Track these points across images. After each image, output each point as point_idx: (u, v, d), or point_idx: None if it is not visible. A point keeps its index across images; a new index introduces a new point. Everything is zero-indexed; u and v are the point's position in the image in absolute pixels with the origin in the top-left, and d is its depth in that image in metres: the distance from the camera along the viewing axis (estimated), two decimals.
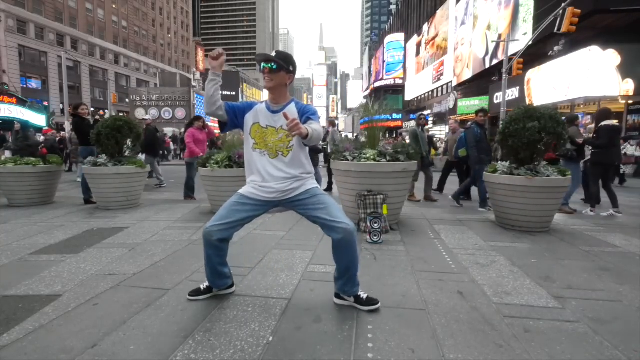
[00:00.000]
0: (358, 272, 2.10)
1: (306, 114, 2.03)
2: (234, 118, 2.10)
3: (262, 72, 2.00)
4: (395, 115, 42.40)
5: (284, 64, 1.97)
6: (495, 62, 21.95)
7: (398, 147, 4.40)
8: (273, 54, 2.00)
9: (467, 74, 26.84)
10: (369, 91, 62.54)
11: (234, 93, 57.74)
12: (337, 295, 2.18)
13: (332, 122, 8.49)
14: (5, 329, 1.85)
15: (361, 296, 2.10)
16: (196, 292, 2.24)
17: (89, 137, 5.38)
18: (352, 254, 2.01)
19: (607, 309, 2.14)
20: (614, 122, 5.14)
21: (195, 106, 35.91)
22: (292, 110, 2.05)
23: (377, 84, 56.42)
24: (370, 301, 2.09)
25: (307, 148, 2.12)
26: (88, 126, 5.69)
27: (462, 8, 28.16)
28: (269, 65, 1.96)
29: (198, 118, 6.73)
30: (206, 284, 2.25)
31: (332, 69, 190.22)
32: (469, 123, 6.80)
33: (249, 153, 2.12)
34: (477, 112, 6.02)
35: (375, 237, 3.53)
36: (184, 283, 2.45)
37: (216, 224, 2.00)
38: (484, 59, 24.14)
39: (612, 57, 13.73)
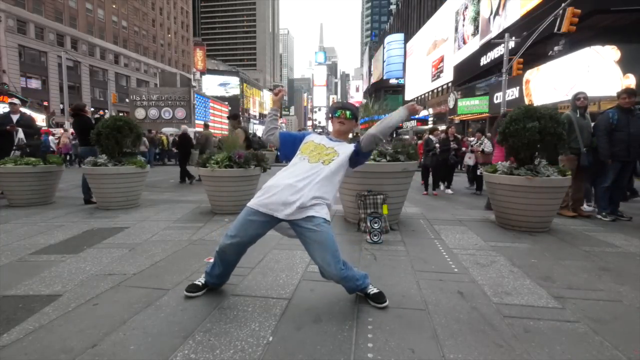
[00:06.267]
0: (358, 281, 2.12)
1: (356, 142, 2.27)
2: (288, 144, 2.35)
3: (338, 117, 2.29)
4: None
5: (357, 114, 2.35)
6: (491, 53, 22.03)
7: (398, 147, 4.40)
8: (348, 104, 2.38)
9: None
10: (368, 92, 62.54)
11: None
12: None
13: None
14: (5, 329, 1.85)
15: (369, 292, 2.18)
16: (195, 289, 2.26)
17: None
18: (344, 286, 2.11)
19: (607, 309, 2.14)
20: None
21: (195, 106, 35.91)
22: (348, 145, 2.25)
23: (377, 84, 56.44)
24: (376, 298, 2.14)
25: (339, 182, 2.21)
26: (94, 122, 5.72)
27: None
28: (348, 112, 2.28)
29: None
30: (203, 280, 2.30)
31: (332, 69, 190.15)
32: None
33: (290, 163, 2.22)
34: (619, 94, 4.69)
35: (375, 237, 3.53)
36: (184, 283, 2.44)
37: (228, 242, 2.07)
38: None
39: (611, 53, 13.75)
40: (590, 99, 5.31)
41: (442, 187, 7.80)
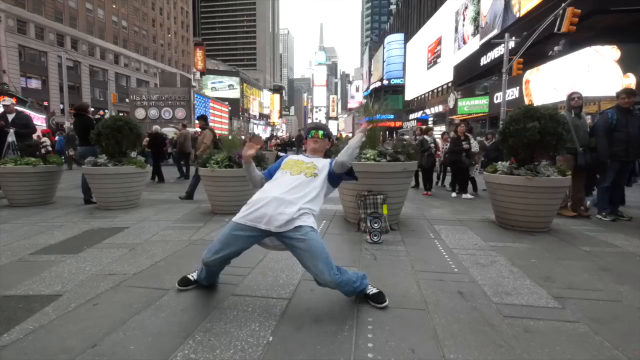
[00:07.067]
0: (355, 283, 2.09)
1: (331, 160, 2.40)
2: (272, 172, 2.40)
3: (312, 137, 2.51)
4: (386, 116, 41.55)
5: (330, 134, 2.58)
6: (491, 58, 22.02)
7: (398, 147, 4.40)
8: (322, 125, 2.63)
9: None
10: (369, 91, 62.51)
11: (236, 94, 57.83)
12: None
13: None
14: (5, 329, 1.85)
15: (368, 292, 2.19)
16: (186, 283, 2.37)
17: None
18: (340, 291, 2.07)
19: (607, 309, 2.14)
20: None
21: (195, 106, 35.93)
22: (324, 160, 2.41)
23: (377, 84, 56.42)
24: (376, 298, 2.15)
25: (323, 195, 2.29)
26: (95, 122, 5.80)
27: None
28: (321, 132, 2.51)
29: None
30: (195, 276, 2.38)
31: (332, 69, 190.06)
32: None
33: (273, 178, 2.30)
34: (618, 94, 4.66)
35: (375, 237, 3.53)
36: None
37: (212, 257, 2.10)
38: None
39: (611, 52, 13.76)
40: (590, 98, 5.34)
41: (454, 193, 7.20)
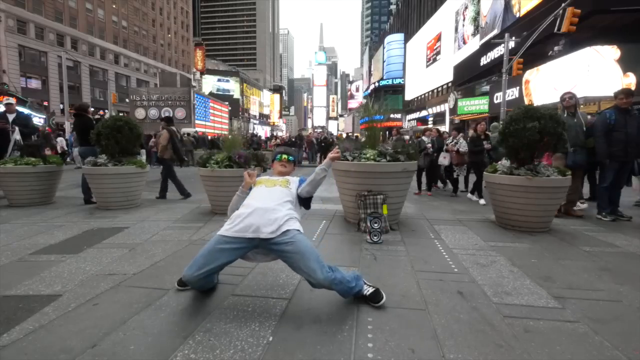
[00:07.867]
0: (350, 283, 2.08)
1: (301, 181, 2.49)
2: None
3: (280, 161, 2.63)
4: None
5: (296, 158, 2.75)
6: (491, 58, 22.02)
7: (398, 147, 4.40)
8: (290, 150, 2.77)
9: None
10: (369, 91, 62.49)
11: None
12: None
13: None
14: (5, 329, 1.85)
15: (365, 293, 2.18)
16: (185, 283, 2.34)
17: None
18: (336, 290, 2.07)
19: (607, 309, 2.14)
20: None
21: (195, 106, 35.95)
22: (294, 178, 2.52)
23: (377, 84, 56.40)
24: (373, 297, 2.15)
25: (299, 205, 2.40)
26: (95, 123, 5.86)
27: None
28: (289, 157, 2.65)
29: None
30: None
31: (332, 69, 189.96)
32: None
33: (250, 195, 2.35)
34: (616, 94, 4.65)
35: (375, 237, 3.54)
36: None
37: (196, 273, 2.05)
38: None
39: (611, 52, 13.77)
40: (590, 98, 5.34)
41: (474, 197, 6.56)
